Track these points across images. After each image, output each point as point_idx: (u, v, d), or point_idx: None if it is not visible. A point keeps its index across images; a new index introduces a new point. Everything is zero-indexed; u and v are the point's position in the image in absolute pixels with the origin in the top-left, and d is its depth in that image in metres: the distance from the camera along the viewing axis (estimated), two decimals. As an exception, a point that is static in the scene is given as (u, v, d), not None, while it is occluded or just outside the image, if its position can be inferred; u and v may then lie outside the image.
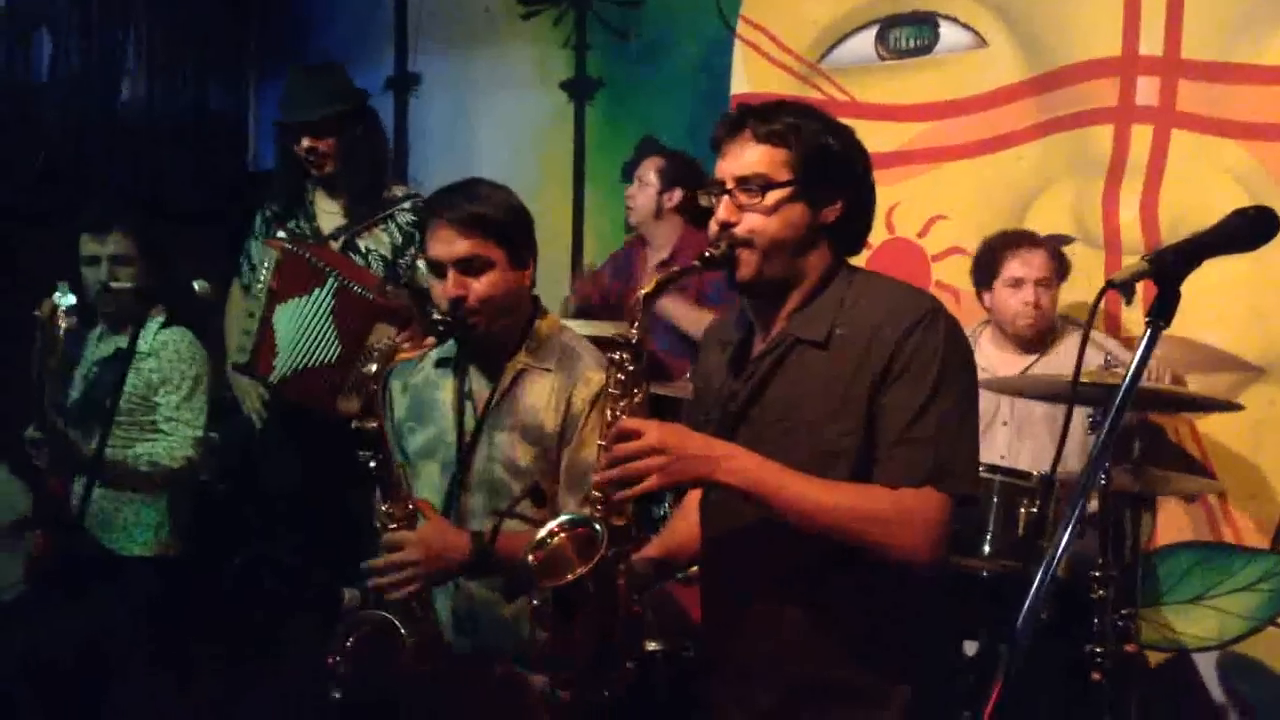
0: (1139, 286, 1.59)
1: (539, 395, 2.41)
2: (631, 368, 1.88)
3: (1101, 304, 3.68)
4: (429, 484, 2.44)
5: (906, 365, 1.80)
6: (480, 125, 5.19)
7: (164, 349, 3.31)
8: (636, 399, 1.87)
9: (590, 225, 4.91)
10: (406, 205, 3.47)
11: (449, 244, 2.34)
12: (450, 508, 2.38)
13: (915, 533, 1.76)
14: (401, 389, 2.52)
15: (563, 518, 1.93)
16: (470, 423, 2.41)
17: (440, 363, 2.49)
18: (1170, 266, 1.47)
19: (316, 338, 3.24)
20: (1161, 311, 1.47)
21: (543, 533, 1.88)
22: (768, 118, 1.89)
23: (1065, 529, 1.39)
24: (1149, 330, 1.47)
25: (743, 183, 1.88)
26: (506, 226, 2.41)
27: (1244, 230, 1.51)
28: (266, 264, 3.27)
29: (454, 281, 2.34)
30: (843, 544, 1.77)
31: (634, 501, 1.82)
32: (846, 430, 1.82)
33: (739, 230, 1.88)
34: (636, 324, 1.89)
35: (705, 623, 2.02)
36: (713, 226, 1.92)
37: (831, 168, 1.90)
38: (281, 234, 3.49)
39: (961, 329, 1.90)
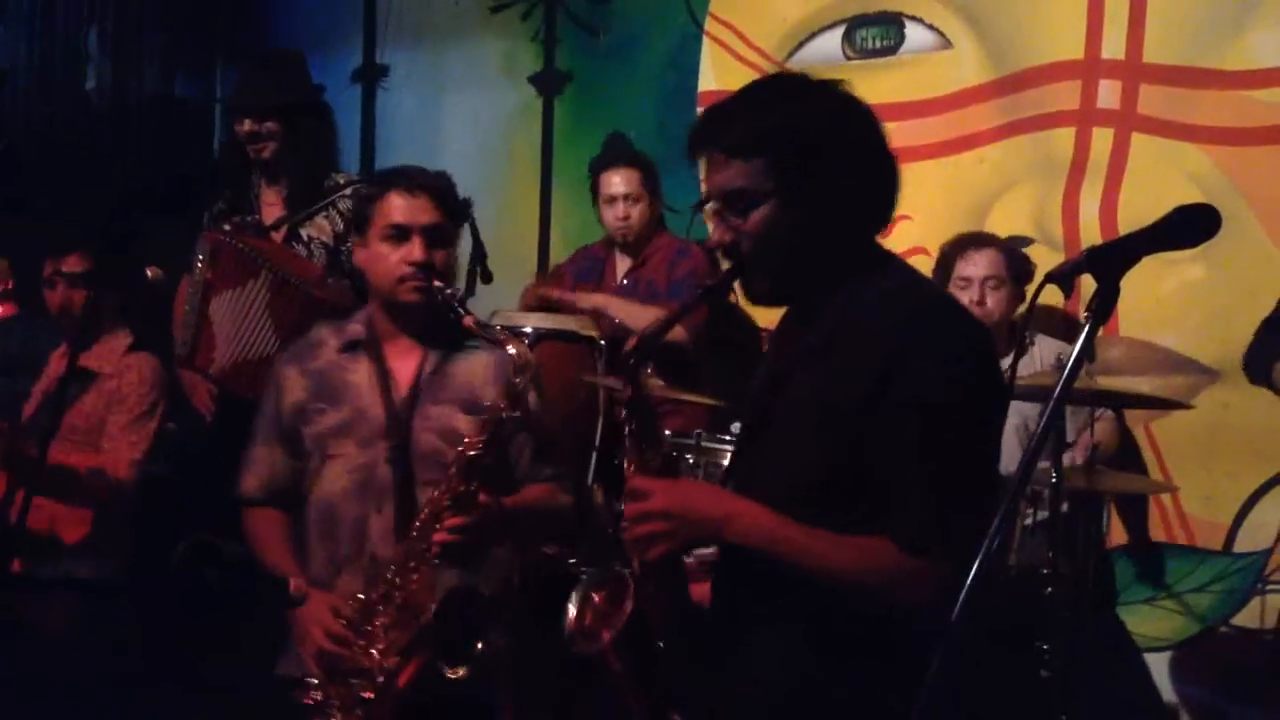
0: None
1: (473, 371, 2.47)
2: (636, 425, 1.81)
3: (1063, 306, 3.76)
4: (345, 462, 2.43)
5: (901, 403, 1.62)
6: (448, 118, 5.17)
7: (128, 371, 3.33)
8: (649, 455, 1.81)
9: (557, 219, 4.91)
10: (348, 192, 3.44)
11: (420, 211, 2.41)
12: (394, 479, 2.39)
13: (918, 597, 1.60)
14: (300, 374, 2.50)
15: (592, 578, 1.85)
16: (399, 398, 2.42)
17: (347, 346, 2.49)
18: (1109, 262, 1.47)
19: (253, 330, 3.22)
20: (1100, 306, 1.47)
21: (576, 601, 1.81)
22: (730, 126, 1.73)
23: (995, 524, 1.39)
24: (1087, 325, 1.47)
25: (726, 203, 1.74)
26: (457, 206, 2.49)
27: (1184, 227, 1.50)
28: (202, 256, 3.25)
29: (423, 247, 2.39)
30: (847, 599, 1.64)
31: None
32: (824, 454, 1.68)
33: (743, 250, 1.74)
34: (630, 381, 1.81)
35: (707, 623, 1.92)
36: (710, 249, 1.86)
37: (815, 150, 1.70)
38: (227, 226, 3.45)
39: (973, 334, 1.72)
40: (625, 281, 4.02)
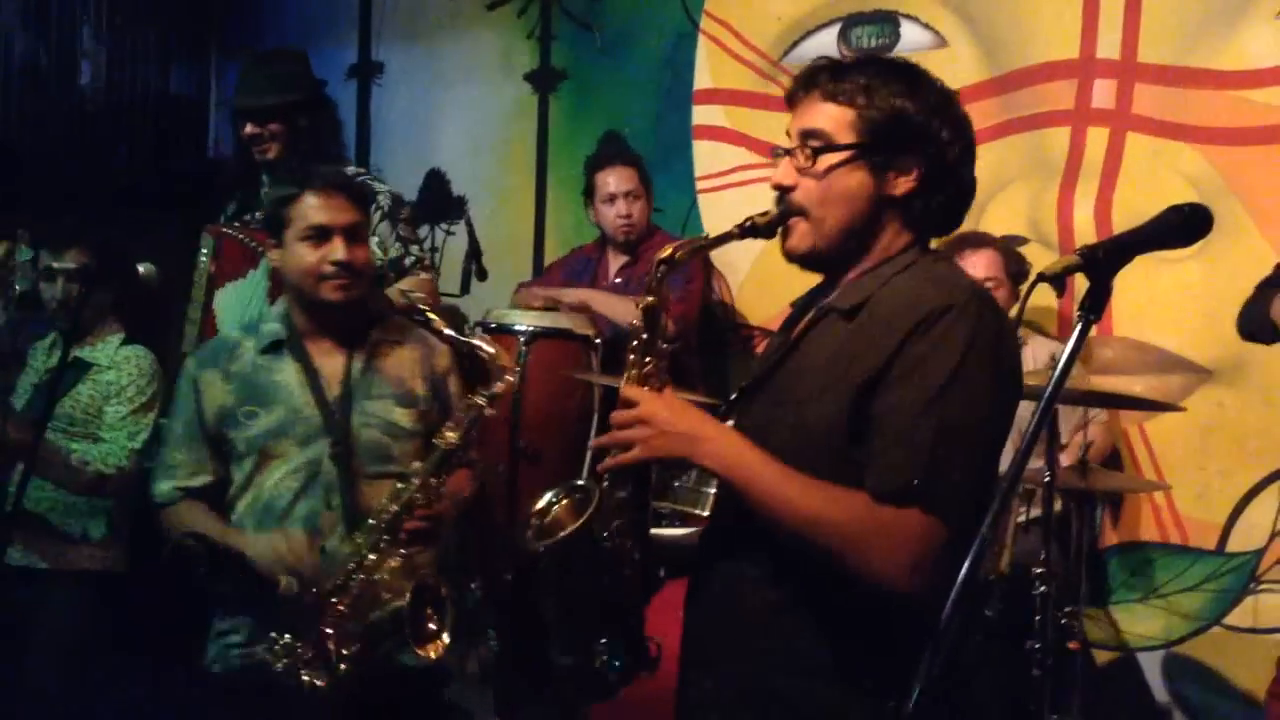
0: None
1: (401, 366, 2.56)
2: (645, 335, 1.76)
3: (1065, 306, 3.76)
4: (287, 462, 2.45)
5: (917, 361, 1.59)
6: (443, 115, 5.17)
7: (125, 364, 3.34)
8: (648, 367, 1.77)
9: (552, 216, 4.90)
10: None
11: (338, 211, 2.45)
12: (339, 474, 2.43)
13: (891, 554, 1.54)
14: (222, 378, 2.50)
15: (564, 485, 1.88)
16: (331, 395, 2.47)
17: (269, 348, 2.51)
18: (1101, 261, 1.47)
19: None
20: (1092, 305, 1.47)
21: (543, 501, 1.86)
22: (841, 74, 1.71)
23: (985, 523, 1.39)
24: (1080, 323, 1.47)
25: (803, 140, 1.71)
26: (370, 204, 2.61)
27: (1176, 227, 1.51)
28: (205, 250, 3.25)
29: (345, 246, 2.44)
30: (814, 554, 1.60)
31: (634, 471, 1.75)
32: (823, 414, 1.64)
33: (795, 197, 1.72)
34: (653, 291, 1.77)
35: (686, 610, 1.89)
36: (771, 188, 1.76)
37: (906, 133, 1.68)
38: (236, 224, 3.46)
39: (1006, 329, 1.67)
40: (618, 279, 4.02)
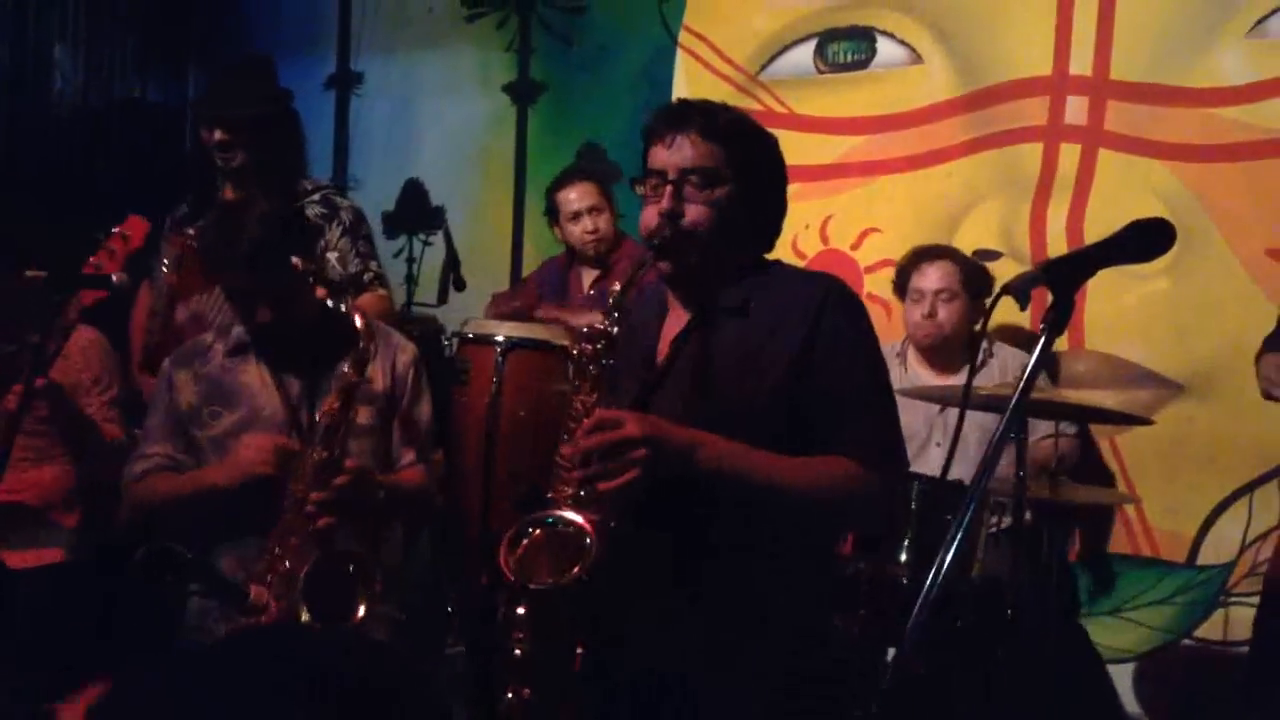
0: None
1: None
2: (605, 361, 1.88)
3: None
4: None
5: (838, 336, 1.89)
6: (422, 126, 5.17)
7: (91, 347, 3.26)
8: (597, 395, 1.87)
9: (530, 228, 4.91)
10: (316, 198, 3.44)
11: None
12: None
13: (883, 506, 1.89)
14: (192, 379, 2.59)
15: (559, 515, 1.82)
16: (293, 396, 2.53)
17: (234, 350, 2.59)
18: (1064, 274, 1.49)
19: None
20: (1055, 318, 1.49)
21: (518, 529, 1.80)
22: (713, 115, 1.97)
23: (953, 534, 1.41)
24: (1043, 336, 1.49)
25: (688, 175, 1.94)
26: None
27: (1140, 241, 1.53)
28: (167, 261, 3.24)
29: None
30: (809, 516, 1.87)
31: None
32: (762, 388, 1.87)
33: (685, 221, 1.93)
34: (613, 318, 1.89)
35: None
36: (653, 216, 1.94)
37: (765, 170, 2.01)
38: (190, 230, 3.44)
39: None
40: (592, 292, 4.03)
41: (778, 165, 2.04)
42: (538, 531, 1.80)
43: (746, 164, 1.97)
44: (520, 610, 1.76)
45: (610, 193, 4.06)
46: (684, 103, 2.02)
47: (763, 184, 2.01)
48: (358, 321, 2.47)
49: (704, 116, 1.96)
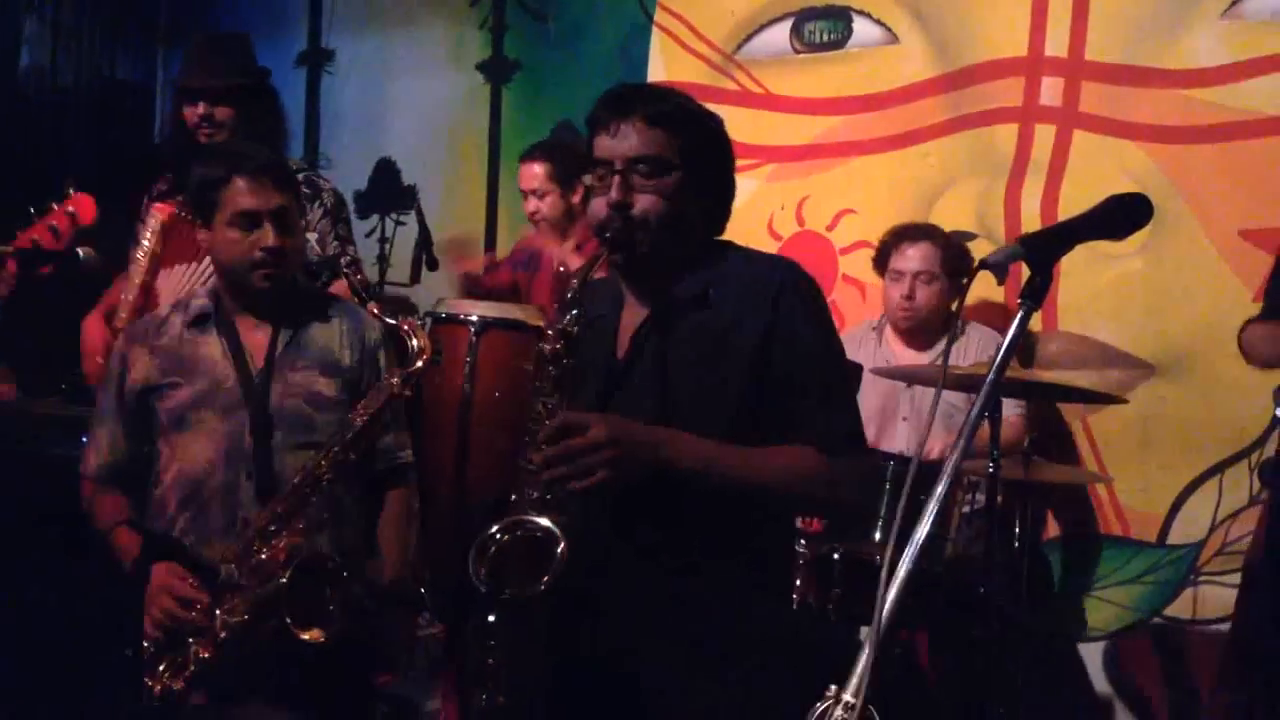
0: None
1: (329, 337, 2.58)
2: (565, 361, 1.84)
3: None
4: (208, 432, 2.47)
5: (796, 324, 1.88)
6: (394, 104, 5.13)
7: None
8: (558, 395, 1.84)
9: (503, 207, 4.88)
10: (300, 178, 3.40)
11: (268, 197, 2.46)
12: (256, 444, 2.45)
13: (852, 489, 1.90)
14: (149, 353, 2.54)
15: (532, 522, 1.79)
16: (255, 368, 2.50)
17: (195, 322, 2.54)
18: (1042, 249, 1.49)
19: None
20: (1034, 293, 1.49)
21: (488, 533, 1.78)
22: (657, 101, 1.92)
23: (928, 513, 1.41)
24: (1021, 311, 1.49)
25: (636, 164, 1.89)
26: (298, 188, 2.61)
27: (1116, 216, 1.54)
28: (152, 229, 3.20)
29: (274, 233, 2.45)
30: (775, 506, 1.92)
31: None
32: (725, 381, 1.87)
33: (635, 211, 1.89)
34: (571, 316, 1.85)
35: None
36: (601, 207, 1.90)
37: (714, 154, 1.97)
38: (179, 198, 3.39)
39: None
40: (561, 269, 4.02)
41: (726, 148, 2.01)
42: (506, 538, 1.78)
43: (695, 149, 1.92)
44: (490, 618, 1.76)
45: (564, 172, 4.03)
46: (628, 87, 1.98)
47: (712, 168, 1.97)
48: (415, 342, 2.46)
49: (649, 102, 1.91)
